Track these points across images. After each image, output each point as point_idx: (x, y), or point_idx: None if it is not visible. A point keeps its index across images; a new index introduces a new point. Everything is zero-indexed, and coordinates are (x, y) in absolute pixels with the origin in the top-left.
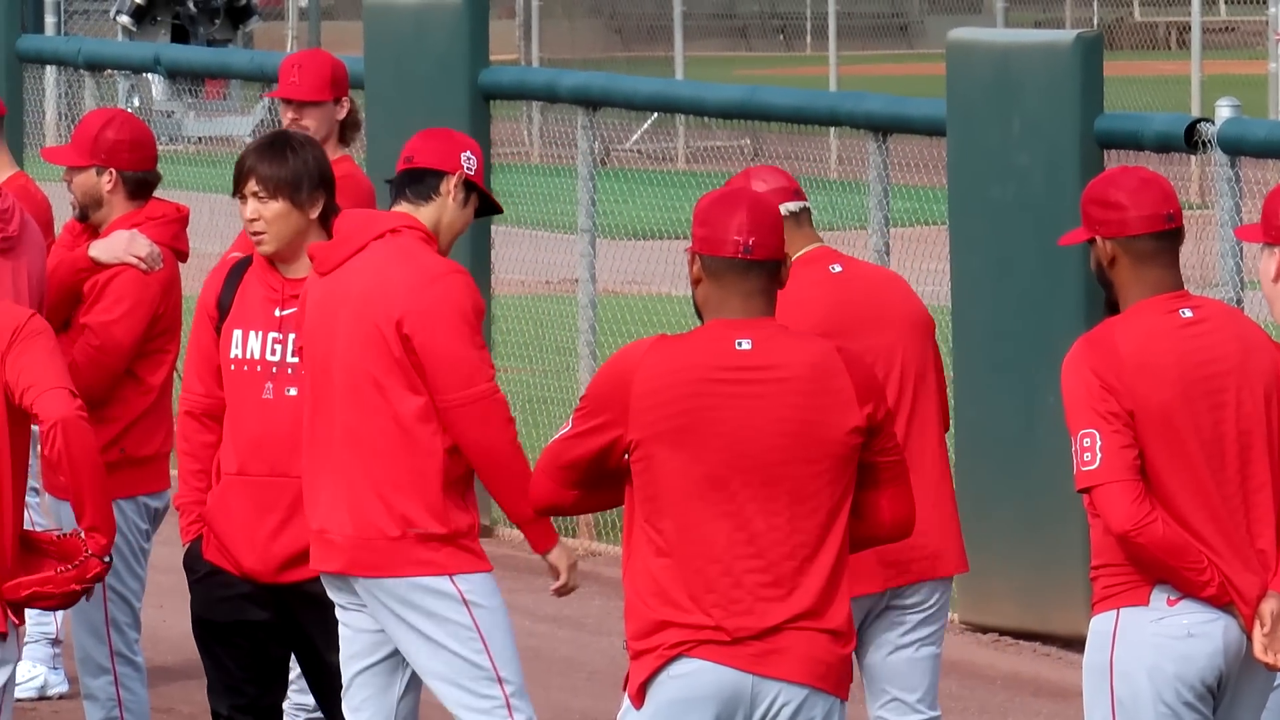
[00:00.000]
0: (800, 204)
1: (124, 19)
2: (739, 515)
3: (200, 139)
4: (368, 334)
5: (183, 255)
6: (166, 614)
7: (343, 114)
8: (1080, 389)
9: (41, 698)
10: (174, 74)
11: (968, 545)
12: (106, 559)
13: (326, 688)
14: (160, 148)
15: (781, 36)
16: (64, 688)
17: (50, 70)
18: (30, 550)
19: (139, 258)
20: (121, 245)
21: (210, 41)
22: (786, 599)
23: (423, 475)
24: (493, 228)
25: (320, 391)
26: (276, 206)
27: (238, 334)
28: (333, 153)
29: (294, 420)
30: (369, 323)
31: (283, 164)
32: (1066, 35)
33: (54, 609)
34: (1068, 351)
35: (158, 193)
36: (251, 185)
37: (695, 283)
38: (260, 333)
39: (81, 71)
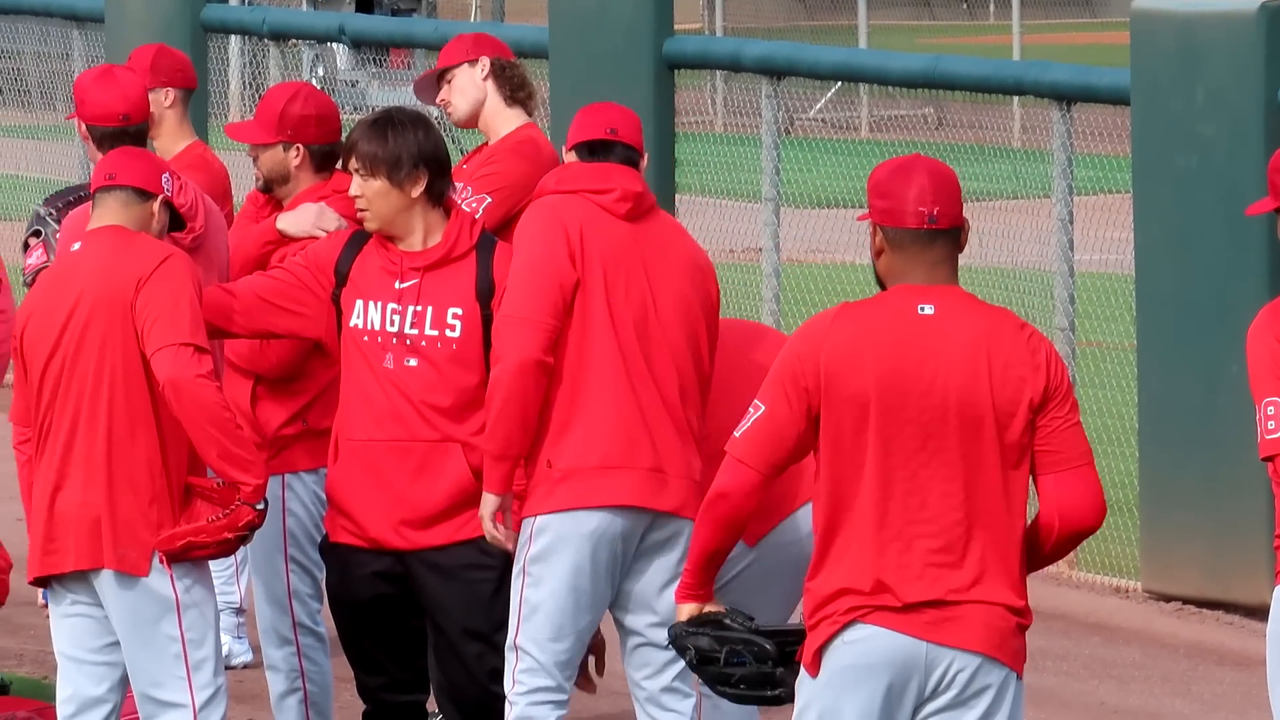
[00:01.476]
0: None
1: None
2: (913, 480)
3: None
4: None
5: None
6: None
7: (484, 73)
8: (1265, 356)
9: (226, 667)
10: (358, 43)
11: (1150, 512)
12: (259, 505)
13: (450, 663)
14: (345, 117)
15: (965, 5)
16: (248, 657)
17: (234, 40)
18: (191, 497)
19: (327, 231)
20: (310, 219)
21: (394, 11)
22: (958, 567)
23: None
24: (676, 196)
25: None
26: (376, 185)
27: (360, 304)
28: (504, 119)
29: (415, 389)
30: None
31: (383, 143)
32: (1251, 4)
33: (211, 558)
34: (1253, 320)
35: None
36: (354, 163)
37: (877, 254)
38: (380, 304)
39: (266, 41)
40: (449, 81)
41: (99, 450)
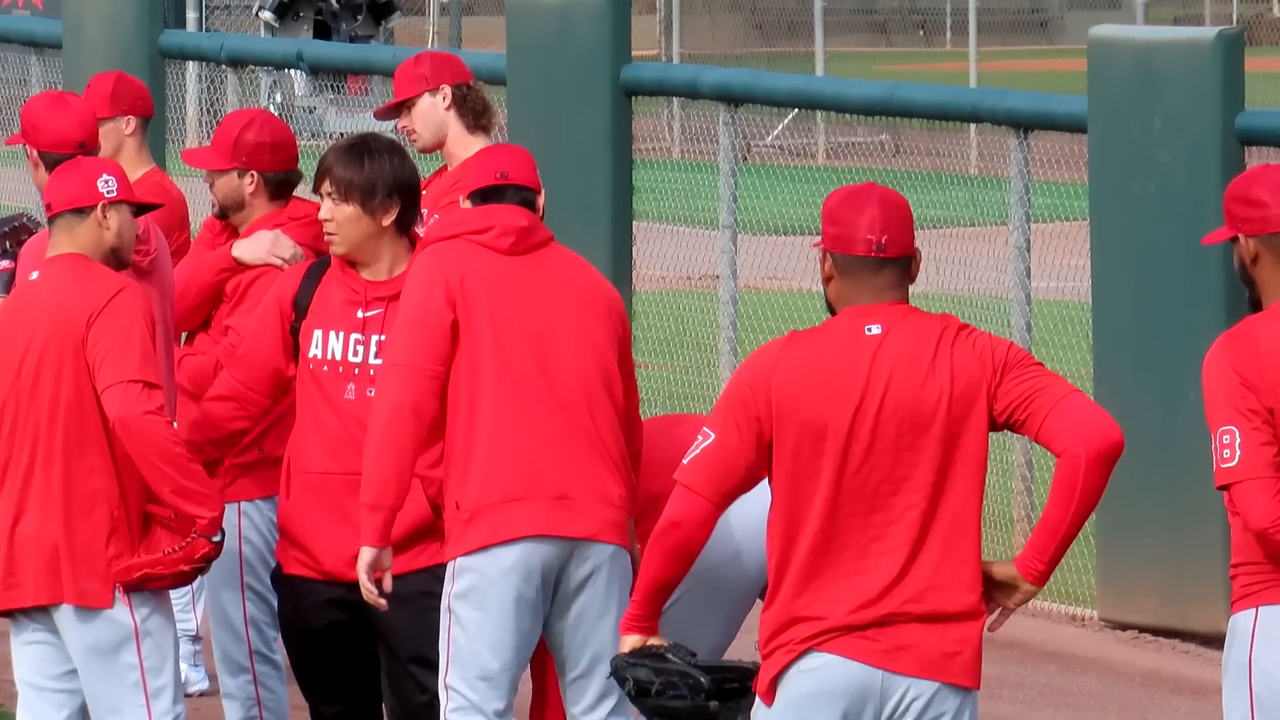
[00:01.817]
0: None
1: (267, 14)
2: (873, 500)
3: (342, 135)
4: None
5: (325, 256)
6: None
7: (446, 102)
8: (1220, 385)
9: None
10: (316, 70)
11: (1107, 539)
12: (215, 538)
13: (403, 689)
14: (302, 143)
15: (921, 32)
16: (204, 685)
17: (192, 66)
18: (150, 524)
19: (283, 259)
20: (265, 246)
21: (353, 37)
22: (915, 583)
23: None
24: (634, 224)
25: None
26: (348, 210)
27: (318, 334)
28: (465, 144)
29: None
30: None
31: (359, 169)
32: (1208, 33)
33: (168, 588)
34: (1209, 348)
35: (298, 191)
36: (326, 185)
37: (827, 280)
38: (342, 334)
39: (223, 68)
40: (410, 109)
41: (56, 483)
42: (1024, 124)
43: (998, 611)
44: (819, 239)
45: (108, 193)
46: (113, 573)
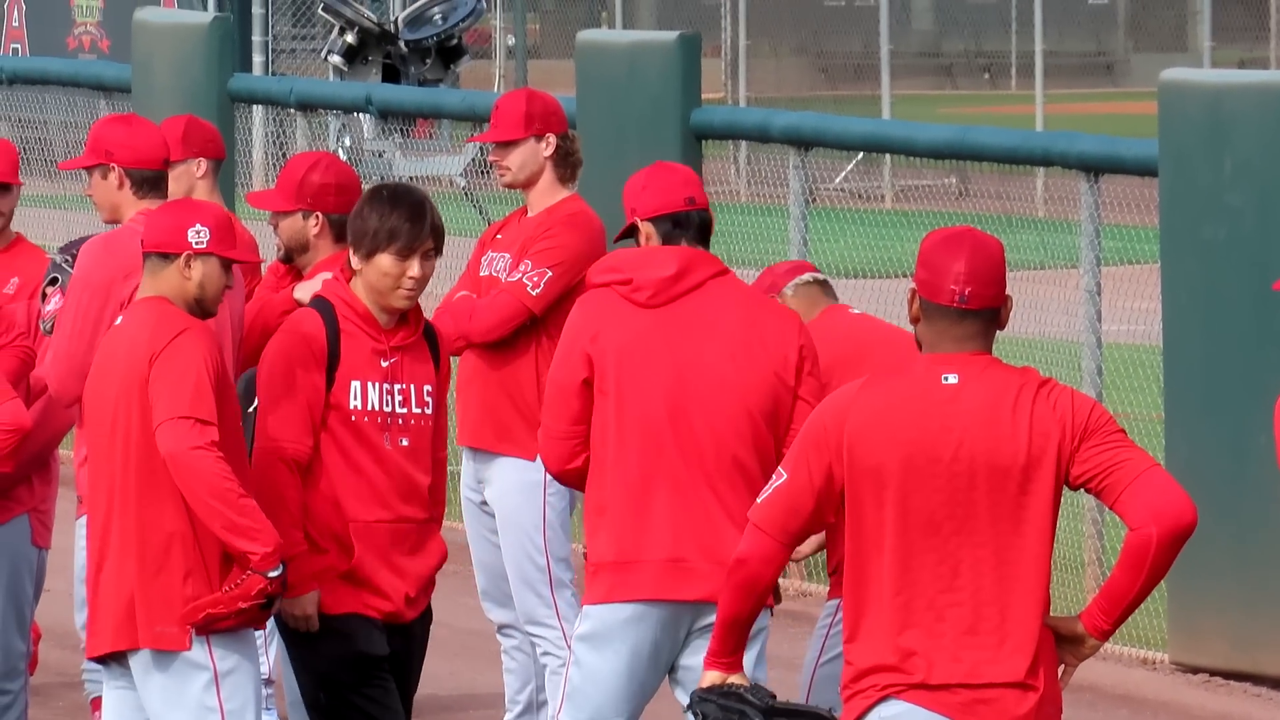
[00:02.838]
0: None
1: (335, 59)
2: (944, 549)
3: (411, 178)
4: None
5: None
6: None
7: (548, 150)
8: None
9: None
10: (386, 114)
11: (1177, 582)
12: (272, 573)
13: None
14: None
15: (987, 75)
16: None
17: (258, 110)
18: (231, 564)
19: None
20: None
21: (421, 81)
22: (989, 644)
23: None
24: None
25: None
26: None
27: (355, 385)
28: (552, 191)
29: (411, 468)
30: None
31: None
32: (1278, 76)
33: (238, 627)
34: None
35: None
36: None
37: (914, 320)
38: (377, 384)
39: (292, 111)
40: (510, 147)
41: (131, 527)
42: (1094, 167)
43: (1062, 667)
44: (910, 278)
45: (195, 244)
46: (182, 615)
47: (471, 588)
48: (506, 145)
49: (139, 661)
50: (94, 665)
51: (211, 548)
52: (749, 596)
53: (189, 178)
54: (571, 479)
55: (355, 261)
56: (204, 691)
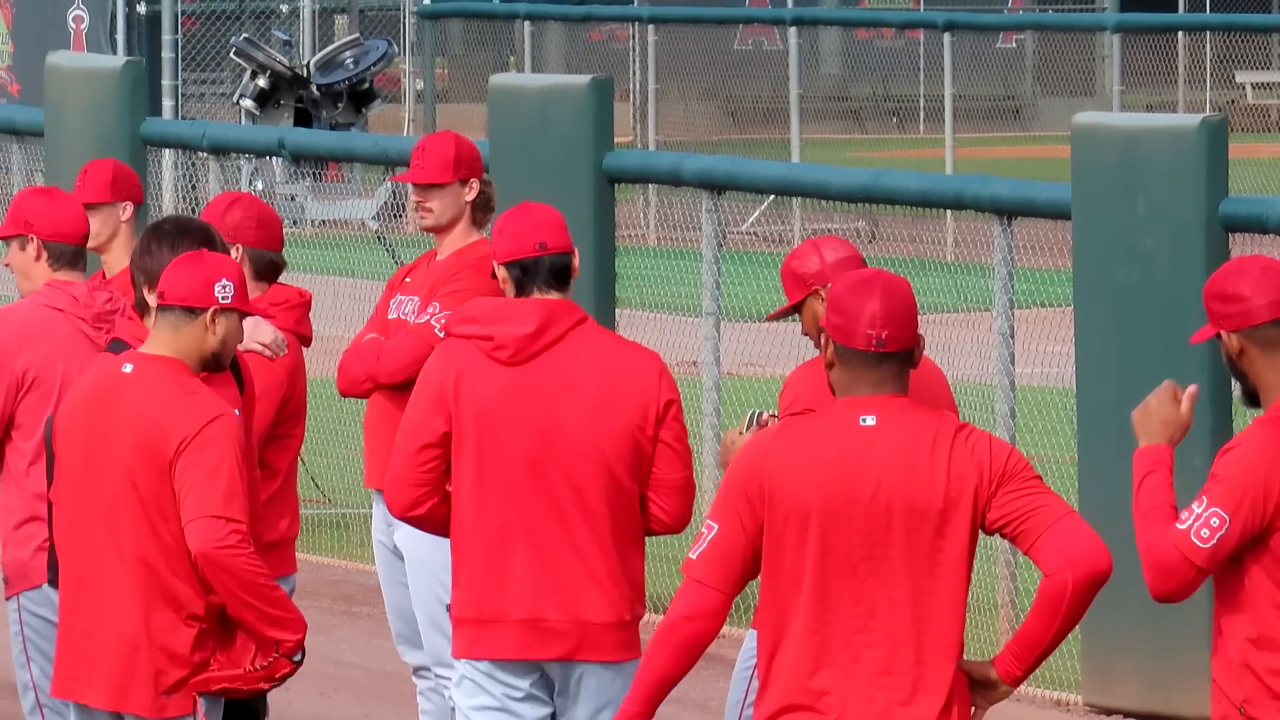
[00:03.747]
0: None
1: (248, 103)
2: (859, 591)
3: (323, 222)
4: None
5: (306, 340)
6: (293, 696)
7: (471, 195)
8: (1251, 473)
9: None
10: (298, 157)
11: (1091, 624)
12: (297, 658)
13: None
14: (284, 231)
15: (895, 119)
16: None
17: (167, 154)
18: (231, 630)
19: (264, 345)
20: (246, 332)
21: (334, 125)
22: (902, 686)
23: None
24: (616, 310)
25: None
26: None
27: None
28: (464, 235)
29: None
30: None
31: None
32: (1191, 120)
33: (247, 698)
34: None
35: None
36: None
37: (829, 365)
38: None
39: (201, 155)
40: (435, 190)
41: (135, 588)
42: (1007, 210)
43: (974, 709)
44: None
45: (222, 299)
46: (194, 682)
47: (385, 630)
48: (431, 188)
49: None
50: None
51: (220, 615)
52: (689, 656)
53: (115, 221)
54: (417, 525)
55: (151, 299)
56: None
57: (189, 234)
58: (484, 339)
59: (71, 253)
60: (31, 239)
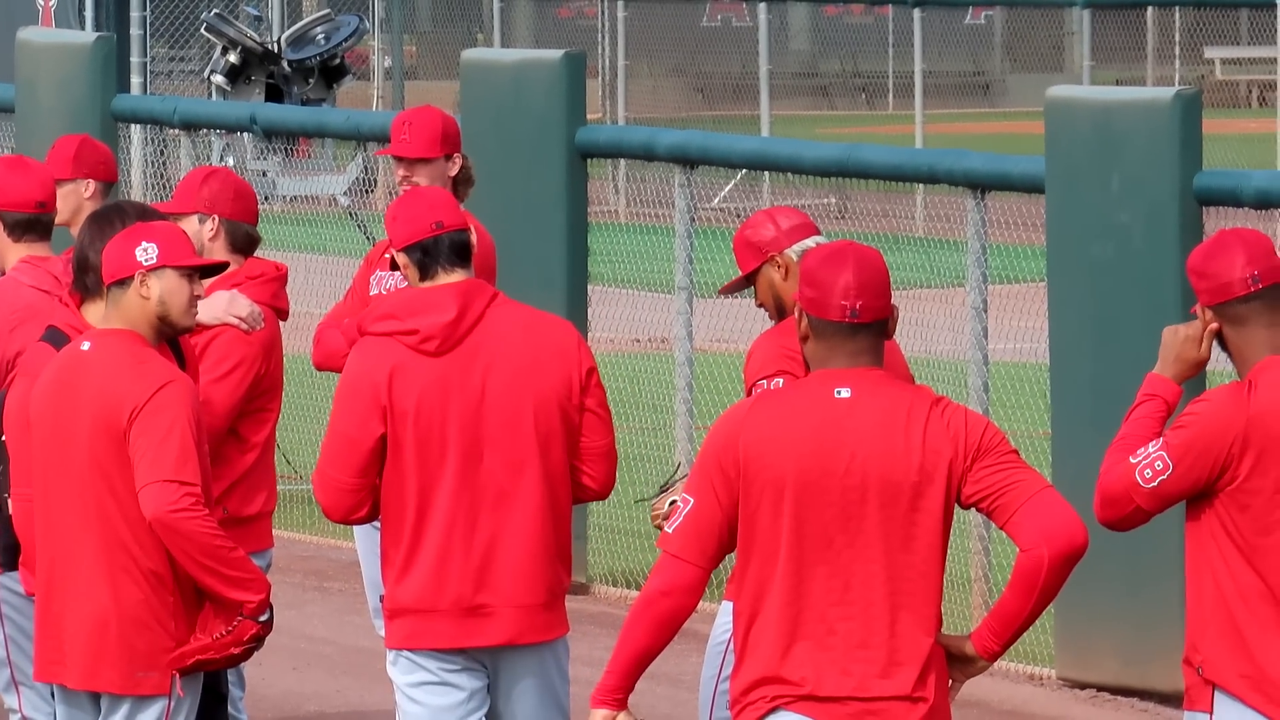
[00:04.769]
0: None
1: (218, 79)
2: (835, 563)
3: (293, 198)
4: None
5: (283, 314)
6: (265, 671)
7: (454, 170)
8: (1209, 427)
9: None
10: (270, 133)
11: (1065, 599)
12: (263, 618)
13: None
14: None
15: (864, 95)
16: None
17: (135, 130)
18: (199, 603)
19: (240, 318)
20: (222, 306)
21: (304, 101)
22: (879, 659)
23: None
24: (590, 286)
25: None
26: None
27: None
28: None
29: None
30: None
31: None
32: (1165, 93)
33: (221, 669)
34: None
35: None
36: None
37: (803, 339)
38: None
39: (170, 131)
40: (423, 165)
41: (106, 566)
42: (981, 185)
43: (950, 684)
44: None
45: (145, 261)
46: (168, 660)
47: (358, 605)
48: (418, 162)
49: (108, 699)
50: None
51: (188, 586)
52: (666, 630)
53: (77, 198)
54: (357, 524)
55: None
56: None
57: (127, 216)
58: (407, 333)
59: (26, 222)
60: None
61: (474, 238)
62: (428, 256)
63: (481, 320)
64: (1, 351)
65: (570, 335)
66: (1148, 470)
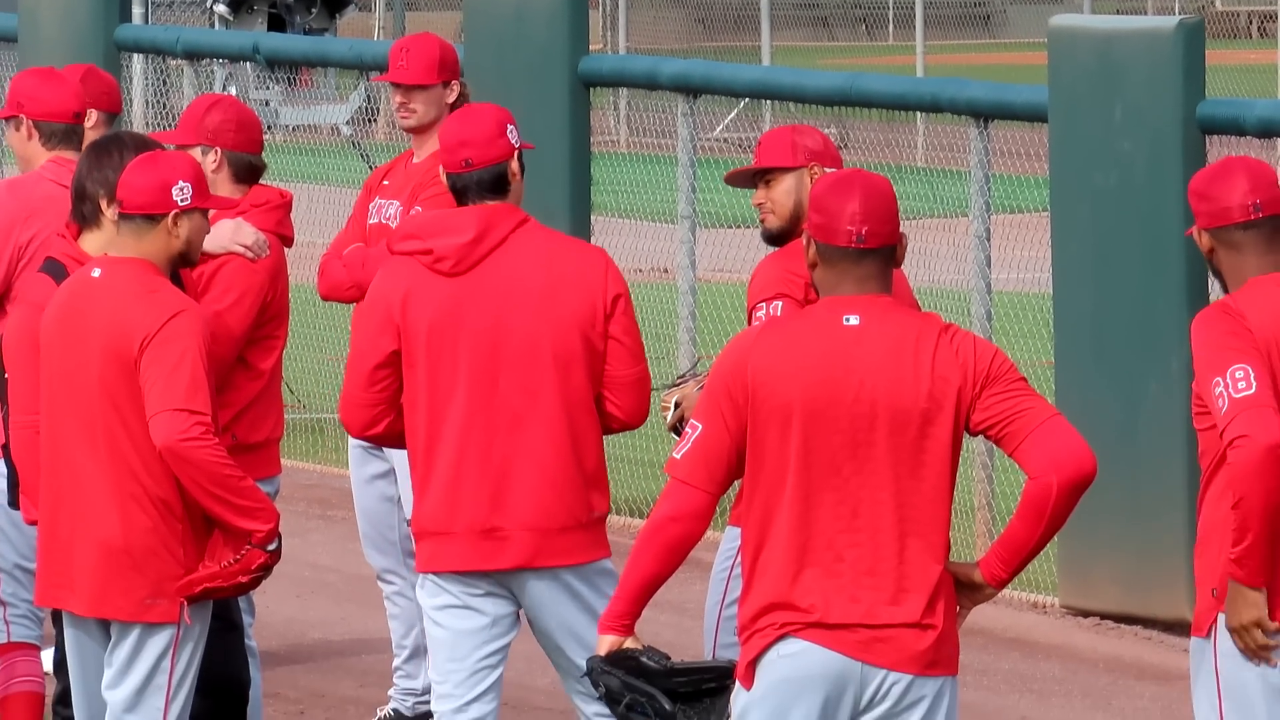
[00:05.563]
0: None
1: (221, 8)
2: (843, 490)
3: (295, 128)
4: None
5: (288, 241)
6: (270, 599)
7: (452, 97)
8: (1223, 332)
9: None
10: (273, 63)
11: (1068, 527)
12: (271, 546)
13: None
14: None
15: (864, 26)
16: None
17: (137, 60)
18: (208, 530)
19: (245, 246)
20: (227, 234)
21: (307, 30)
22: (887, 585)
23: None
24: (592, 217)
25: None
26: None
27: None
28: None
29: None
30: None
31: None
32: (1168, 22)
33: (231, 596)
34: (1196, 317)
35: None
36: None
37: (811, 266)
38: None
39: (174, 61)
40: (421, 91)
41: (115, 492)
42: (984, 114)
43: (957, 610)
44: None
45: (181, 201)
46: (176, 587)
47: (359, 533)
48: (415, 89)
49: (117, 626)
50: None
51: (197, 514)
52: (674, 556)
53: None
54: (375, 442)
55: (111, 213)
56: (161, 656)
57: (126, 148)
58: (424, 253)
59: (63, 131)
60: (23, 120)
61: (515, 165)
62: (459, 188)
63: (504, 244)
64: (16, 238)
65: (598, 262)
66: (1234, 390)
